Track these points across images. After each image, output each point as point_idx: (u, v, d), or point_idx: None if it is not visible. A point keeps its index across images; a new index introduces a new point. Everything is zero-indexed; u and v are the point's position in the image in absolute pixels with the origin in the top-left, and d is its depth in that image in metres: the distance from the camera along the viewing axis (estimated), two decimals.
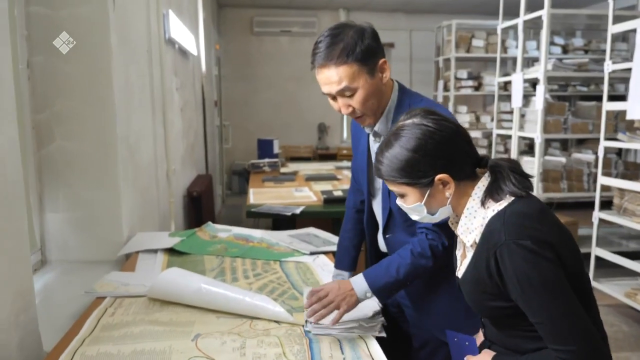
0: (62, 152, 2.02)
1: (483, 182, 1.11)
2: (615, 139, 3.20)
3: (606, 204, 3.50)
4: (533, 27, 5.05)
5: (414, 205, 1.12)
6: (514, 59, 6.20)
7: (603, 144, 3.25)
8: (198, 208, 3.61)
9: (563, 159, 4.40)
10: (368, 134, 1.49)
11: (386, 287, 1.32)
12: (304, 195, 3.53)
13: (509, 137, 5.03)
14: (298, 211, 3.02)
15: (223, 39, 7.29)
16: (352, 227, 1.70)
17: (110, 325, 1.32)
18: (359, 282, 1.32)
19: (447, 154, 1.08)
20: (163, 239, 2.10)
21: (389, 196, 1.43)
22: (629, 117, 2.90)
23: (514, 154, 4.53)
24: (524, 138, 4.72)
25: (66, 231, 2.05)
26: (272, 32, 7.77)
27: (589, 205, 3.89)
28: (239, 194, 7.57)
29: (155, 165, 2.68)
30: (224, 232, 2.27)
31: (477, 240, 1.08)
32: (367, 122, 1.40)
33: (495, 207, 1.07)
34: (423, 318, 1.50)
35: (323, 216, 3.18)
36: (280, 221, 3.25)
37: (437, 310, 1.46)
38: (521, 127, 4.40)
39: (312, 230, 2.38)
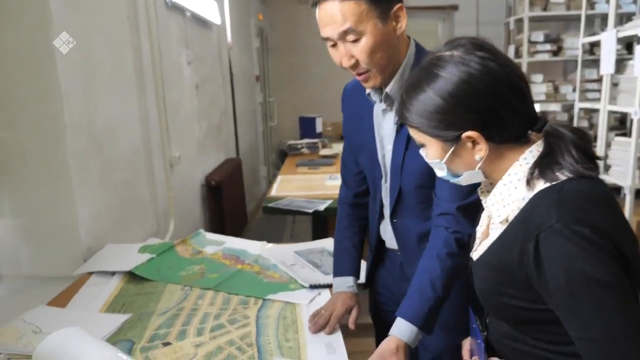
0: (2, 143, 1.60)
1: (535, 149, 0.88)
2: None
3: None
4: None
5: (434, 161, 0.94)
6: (603, 16, 5.22)
7: None
8: (218, 198, 3.17)
9: None
10: (373, 104, 1.28)
11: (431, 313, 1.11)
12: (335, 185, 2.98)
13: (596, 111, 4.19)
14: (322, 207, 2.49)
15: (268, 9, 6.76)
16: (349, 225, 1.47)
17: None
18: (402, 328, 1.09)
19: (487, 107, 0.85)
20: (130, 256, 1.64)
21: (400, 174, 1.24)
22: None
23: (601, 132, 3.72)
24: (616, 112, 3.89)
25: (16, 241, 1.65)
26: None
27: None
28: None
29: (146, 155, 2.23)
30: (213, 245, 1.79)
31: (510, 218, 0.87)
32: (371, 82, 1.17)
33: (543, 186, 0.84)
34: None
35: None
36: (315, 220, 2.76)
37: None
38: (612, 99, 3.58)
39: (329, 244, 1.83)
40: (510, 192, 0.88)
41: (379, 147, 1.29)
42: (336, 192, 2.72)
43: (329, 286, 1.45)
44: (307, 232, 3.62)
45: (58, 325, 1.16)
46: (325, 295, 1.40)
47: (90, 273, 1.56)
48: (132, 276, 1.51)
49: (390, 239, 1.37)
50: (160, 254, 1.65)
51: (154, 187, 2.32)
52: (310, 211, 2.45)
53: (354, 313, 1.30)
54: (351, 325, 1.28)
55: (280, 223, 4.61)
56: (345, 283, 1.36)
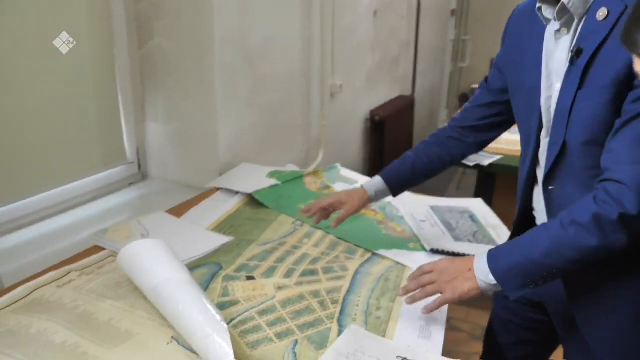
0: (161, 51, 1.66)
1: None
2: None
3: None
4: None
5: None
6: None
7: None
8: (380, 136, 3.01)
9: None
10: (544, 26, 0.97)
11: (513, 270, 0.87)
12: (509, 140, 2.57)
13: None
14: (486, 162, 2.17)
15: None
16: (430, 143, 1.23)
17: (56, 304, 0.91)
18: (480, 262, 0.91)
19: None
20: (257, 178, 1.61)
21: (566, 122, 0.91)
22: None
23: None
24: None
25: (166, 146, 1.75)
26: None
27: None
28: None
29: (304, 79, 2.16)
30: (344, 183, 1.66)
31: None
32: None
33: None
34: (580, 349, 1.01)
35: None
36: (482, 175, 2.48)
37: (607, 335, 0.96)
38: None
39: (477, 205, 1.58)
40: None
41: (544, 87, 0.97)
42: (508, 147, 2.37)
43: (454, 254, 1.22)
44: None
45: (163, 234, 1.17)
46: None
47: (218, 188, 1.56)
48: (252, 199, 1.47)
49: (542, 212, 1.07)
50: (287, 182, 1.58)
51: (308, 114, 2.25)
52: (471, 164, 2.15)
53: (343, 212, 1.20)
54: (331, 224, 1.22)
55: (448, 172, 4.28)
56: (369, 182, 1.24)
